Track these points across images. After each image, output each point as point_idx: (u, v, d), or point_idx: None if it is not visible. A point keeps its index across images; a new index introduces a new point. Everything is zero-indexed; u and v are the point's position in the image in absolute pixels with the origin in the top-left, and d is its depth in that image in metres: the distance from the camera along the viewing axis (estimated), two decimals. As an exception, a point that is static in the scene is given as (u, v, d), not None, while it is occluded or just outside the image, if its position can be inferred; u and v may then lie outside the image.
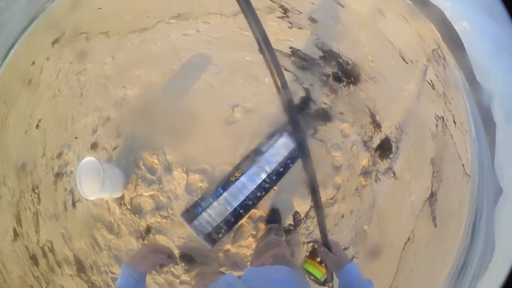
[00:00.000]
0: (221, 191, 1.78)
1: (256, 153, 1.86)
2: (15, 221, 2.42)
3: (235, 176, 1.80)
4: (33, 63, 3.02)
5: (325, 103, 2.15)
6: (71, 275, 2.17)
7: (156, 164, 1.94)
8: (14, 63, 3.25)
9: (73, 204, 2.18)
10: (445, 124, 2.55)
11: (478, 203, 2.54)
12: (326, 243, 0.89)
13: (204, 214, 1.76)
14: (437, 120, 2.53)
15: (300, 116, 2.06)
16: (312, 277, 0.99)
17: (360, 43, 2.48)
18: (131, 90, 2.21)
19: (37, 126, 2.59)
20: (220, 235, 1.75)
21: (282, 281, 0.90)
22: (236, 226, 1.79)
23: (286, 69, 2.17)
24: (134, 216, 1.93)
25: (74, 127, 2.31)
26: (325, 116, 2.10)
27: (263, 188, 1.80)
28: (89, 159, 1.83)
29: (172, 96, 2.07)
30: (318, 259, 0.99)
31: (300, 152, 0.68)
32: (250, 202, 1.77)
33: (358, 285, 0.80)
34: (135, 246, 1.95)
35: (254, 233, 1.81)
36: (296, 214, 1.90)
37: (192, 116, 1.98)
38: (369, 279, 0.81)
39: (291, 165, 1.89)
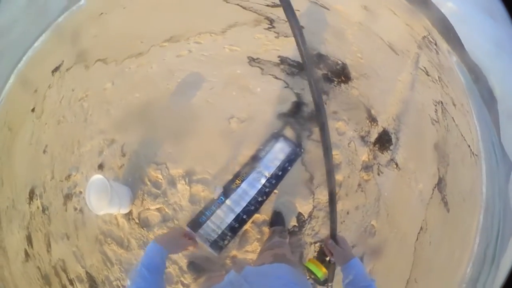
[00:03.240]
0: (223, 199, 1.84)
1: (254, 160, 1.92)
2: (26, 242, 2.48)
3: (236, 184, 1.86)
4: (36, 91, 3.14)
5: (317, 105, 2.19)
6: (83, 292, 2.22)
7: (160, 179, 2.02)
8: (16, 90, 3.35)
9: (83, 222, 2.26)
10: (445, 108, 2.54)
11: (490, 181, 2.48)
12: (334, 236, 0.94)
13: (209, 223, 1.81)
14: (435, 105, 2.52)
15: (293, 120, 2.11)
16: (312, 276, 0.99)
17: (348, 42, 2.53)
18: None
19: (44, 151, 2.69)
20: (226, 242, 1.80)
21: (281, 277, 0.90)
22: (240, 232, 1.83)
23: (276, 77, 2.24)
24: (142, 230, 2.00)
25: (80, 151, 2.41)
26: (318, 117, 2.14)
27: (264, 193, 1.84)
28: (97, 176, 1.91)
29: (171, 113, 2.16)
30: (327, 258, 1.00)
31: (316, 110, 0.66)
32: (253, 207, 1.82)
33: (361, 280, 0.82)
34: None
35: (259, 237, 1.84)
36: (299, 215, 1.93)
37: (190, 130, 2.06)
38: (372, 278, 0.83)
39: (289, 168, 1.94)
